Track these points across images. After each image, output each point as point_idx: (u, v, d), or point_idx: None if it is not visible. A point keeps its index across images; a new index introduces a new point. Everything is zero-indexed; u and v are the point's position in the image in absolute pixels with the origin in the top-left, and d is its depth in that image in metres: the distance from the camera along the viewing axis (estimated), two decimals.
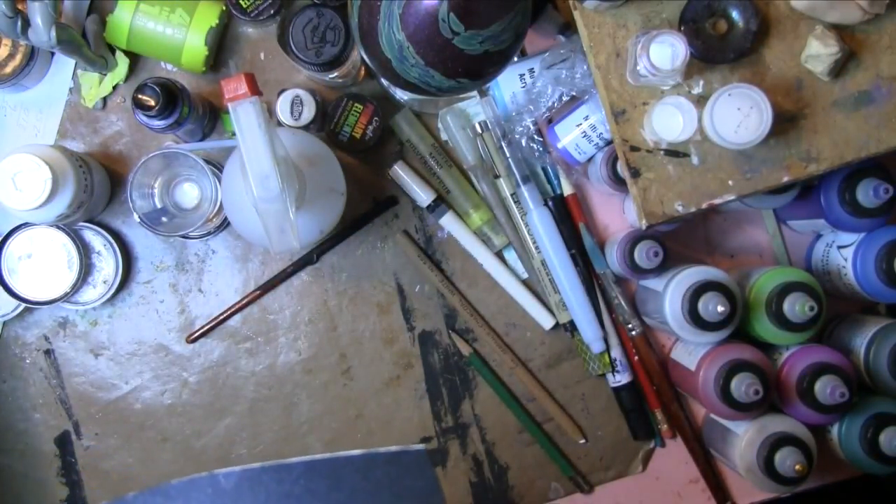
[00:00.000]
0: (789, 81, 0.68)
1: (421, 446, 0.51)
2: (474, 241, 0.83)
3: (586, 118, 0.79)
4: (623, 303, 0.83)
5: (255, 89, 0.60)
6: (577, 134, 0.79)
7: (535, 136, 0.81)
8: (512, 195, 0.82)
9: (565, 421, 0.85)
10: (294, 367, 0.83)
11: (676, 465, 0.86)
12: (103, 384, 0.83)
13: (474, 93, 0.81)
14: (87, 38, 0.77)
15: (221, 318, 0.82)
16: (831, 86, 0.68)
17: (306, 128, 0.78)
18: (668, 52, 0.64)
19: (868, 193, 0.73)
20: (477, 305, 0.84)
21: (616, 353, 0.83)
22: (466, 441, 0.84)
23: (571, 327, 0.84)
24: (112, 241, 0.81)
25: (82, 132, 0.83)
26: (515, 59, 0.76)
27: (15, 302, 0.80)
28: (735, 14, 0.66)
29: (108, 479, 0.82)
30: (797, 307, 0.72)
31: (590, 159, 0.82)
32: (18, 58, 0.78)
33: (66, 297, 0.79)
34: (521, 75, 0.81)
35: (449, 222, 0.83)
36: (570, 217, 0.83)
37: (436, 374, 0.84)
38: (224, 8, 0.78)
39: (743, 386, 0.71)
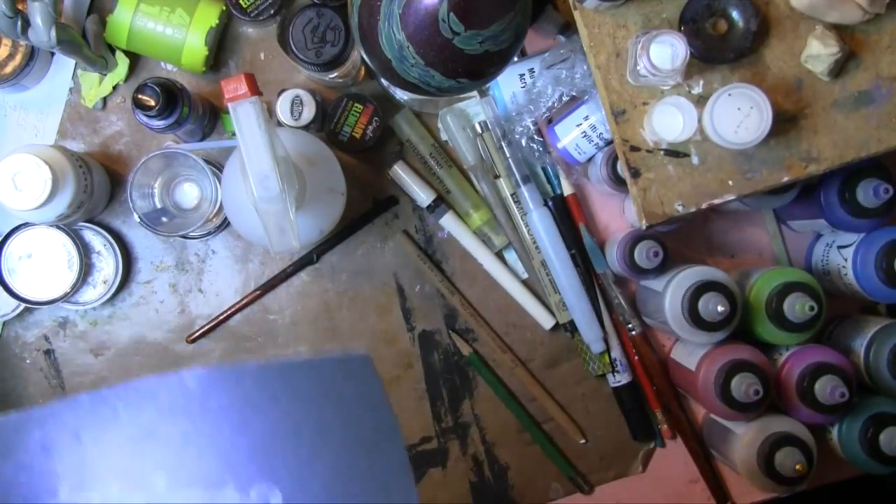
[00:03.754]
0: (789, 81, 0.68)
1: (364, 351, 0.53)
2: (474, 241, 0.83)
3: (586, 118, 0.79)
4: (623, 303, 0.83)
5: (255, 89, 0.60)
6: (577, 134, 0.79)
7: (535, 136, 0.81)
8: (512, 195, 0.82)
9: (565, 421, 0.85)
10: None
11: (676, 465, 0.86)
12: (103, 384, 0.83)
13: (474, 93, 0.81)
14: (87, 38, 0.77)
15: (221, 318, 0.82)
16: (831, 86, 0.68)
17: (306, 128, 0.78)
18: (668, 52, 0.64)
19: (868, 193, 0.73)
20: (477, 305, 0.84)
21: (616, 353, 0.83)
22: (466, 441, 0.84)
23: (571, 327, 0.84)
24: (112, 241, 0.81)
25: (82, 132, 0.83)
26: (515, 59, 0.76)
27: (15, 302, 0.80)
28: (735, 14, 0.66)
29: None
30: (797, 307, 0.72)
31: (590, 159, 0.82)
32: (18, 58, 0.78)
33: (66, 297, 0.79)
34: (521, 75, 0.81)
35: (449, 222, 0.83)
36: (570, 217, 0.83)
37: (436, 374, 0.84)
38: (224, 8, 0.78)
39: (743, 386, 0.71)
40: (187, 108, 0.75)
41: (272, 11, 0.77)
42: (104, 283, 0.81)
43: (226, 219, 0.81)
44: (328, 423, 0.50)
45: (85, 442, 0.50)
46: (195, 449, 0.50)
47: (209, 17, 0.77)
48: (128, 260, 0.83)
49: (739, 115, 0.64)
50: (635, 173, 0.69)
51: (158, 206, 0.80)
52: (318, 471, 0.50)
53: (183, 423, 0.50)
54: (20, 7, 0.69)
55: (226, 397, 0.50)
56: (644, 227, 0.70)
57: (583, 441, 0.85)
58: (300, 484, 0.49)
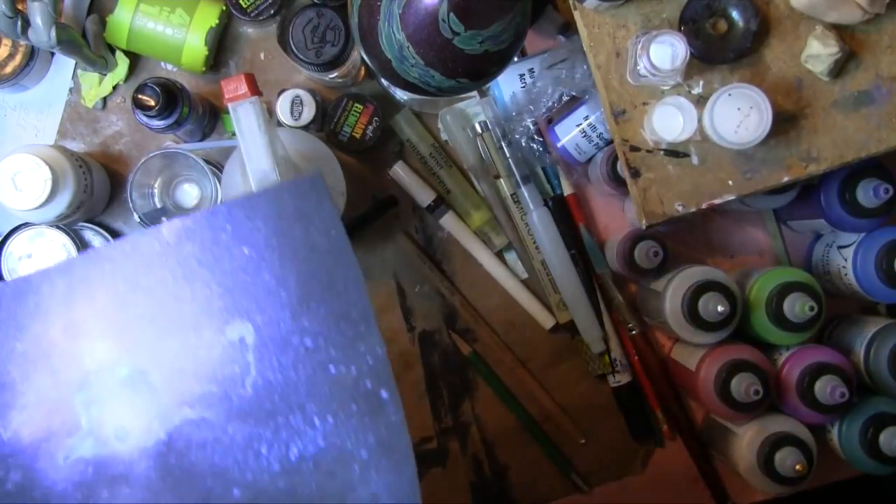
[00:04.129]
0: (789, 81, 0.68)
1: (314, 172, 0.55)
2: (474, 241, 0.83)
3: (586, 118, 0.79)
4: (623, 303, 0.83)
5: (255, 89, 0.60)
6: (577, 134, 0.79)
7: (535, 136, 0.81)
8: (512, 195, 0.82)
9: (565, 421, 0.85)
10: None
11: (676, 465, 0.86)
12: None
13: (474, 93, 0.81)
14: (87, 38, 0.77)
15: None
16: (831, 86, 0.68)
17: (306, 128, 0.78)
18: (668, 52, 0.64)
19: (868, 193, 0.73)
20: (477, 305, 0.84)
21: (616, 353, 0.83)
22: (466, 441, 0.84)
23: (571, 327, 0.84)
24: (112, 241, 0.81)
25: (82, 132, 0.83)
26: (515, 59, 0.76)
27: None
28: (735, 14, 0.66)
29: None
30: (797, 307, 0.72)
31: (590, 159, 0.82)
32: (18, 58, 0.78)
33: None
34: (521, 75, 0.81)
35: (449, 222, 0.83)
36: (570, 217, 0.83)
37: (436, 374, 0.84)
38: (224, 8, 0.78)
39: (743, 386, 0.71)
40: (187, 108, 0.75)
41: (272, 11, 0.77)
42: None
43: None
44: (287, 250, 0.53)
45: (75, 305, 0.53)
46: (174, 297, 0.53)
47: (209, 17, 0.77)
48: None
49: (739, 115, 0.64)
50: (635, 173, 0.69)
51: (158, 206, 0.80)
52: (283, 300, 0.52)
53: (162, 274, 0.53)
54: (20, 7, 0.69)
55: (199, 242, 0.53)
56: (644, 227, 0.70)
57: (583, 441, 0.85)
58: (268, 315, 0.52)
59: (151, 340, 0.53)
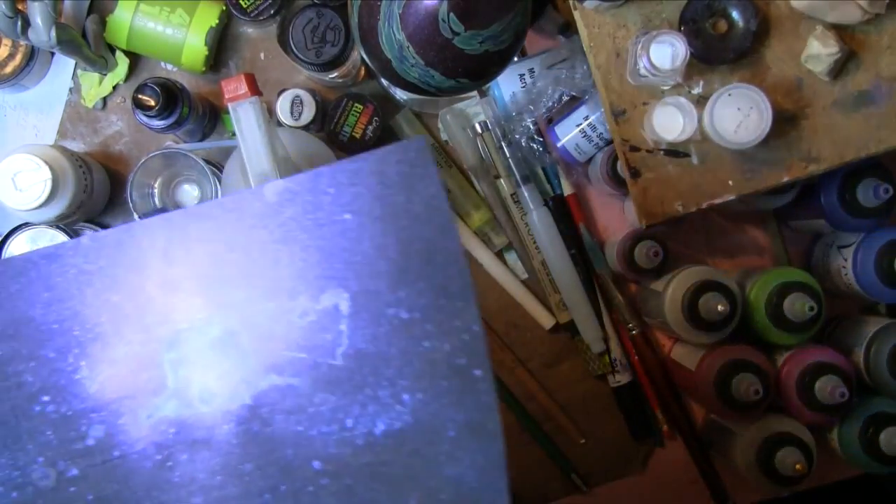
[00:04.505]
0: (789, 81, 0.68)
1: (419, 138, 0.54)
2: (474, 241, 0.83)
3: (586, 118, 0.79)
4: (623, 303, 0.83)
5: (255, 89, 0.60)
6: (576, 134, 0.79)
7: (535, 136, 0.81)
8: (512, 195, 0.82)
9: (565, 421, 0.85)
10: None
11: (676, 465, 0.86)
12: None
13: (474, 93, 0.81)
14: (87, 38, 0.77)
15: None
16: (831, 86, 0.68)
17: (306, 128, 0.78)
18: (668, 52, 0.64)
19: (868, 193, 0.73)
20: None
21: (616, 353, 0.83)
22: None
23: (571, 327, 0.84)
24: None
25: (82, 132, 0.83)
26: (515, 59, 0.76)
27: None
28: (735, 14, 0.66)
29: None
30: (797, 307, 0.72)
31: (590, 159, 0.82)
32: (18, 58, 0.78)
33: None
34: (521, 75, 0.81)
35: None
36: (570, 217, 0.83)
37: None
38: (224, 8, 0.78)
39: (743, 386, 0.71)
40: (187, 108, 0.75)
41: (272, 11, 0.77)
42: None
43: None
44: (389, 218, 0.51)
45: (174, 260, 0.51)
46: (271, 260, 0.51)
47: (209, 17, 0.77)
48: None
49: (739, 115, 0.64)
50: (635, 173, 0.69)
51: (158, 206, 0.80)
52: (381, 270, 0.51)
53: (261, 235, 0.51)
54: (20, 7, 0.69)
55: (300, 206, 0.51)
56: (644, 227, 0.70)
57: (583, 441, 0.85)
58: (364, 285, 0.51)
59: (245, 302, 0.51)
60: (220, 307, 0.51)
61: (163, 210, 0.80)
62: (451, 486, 0.50)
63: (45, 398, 0.50)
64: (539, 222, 0.81)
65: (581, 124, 0.79)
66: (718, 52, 0.66)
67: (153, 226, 0.51)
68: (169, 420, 0.51)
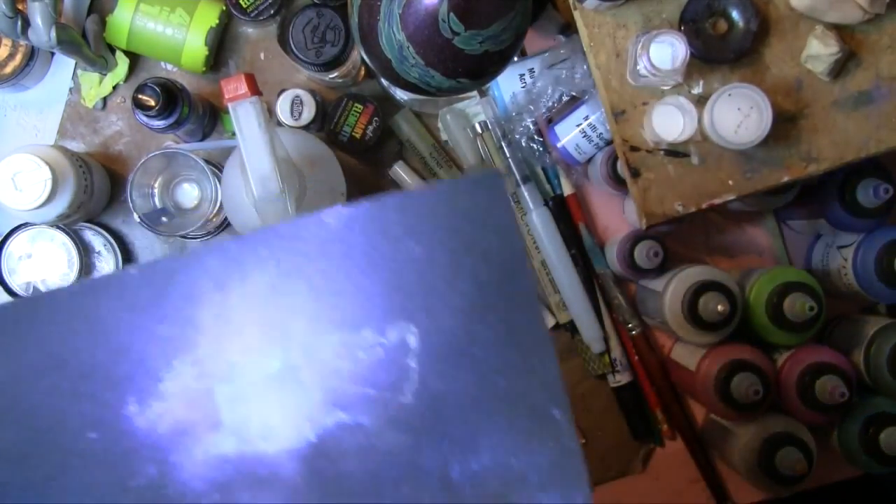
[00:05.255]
0: (789, 81, 0.68)
1: (495, 173, 0.53)
2: None
3: (586, 118, 0.79)
4: (623, 303, 0.83)
5: (255, 89, 0.60)
6: (577, 134, 0.79)
7: (535, 136, 0.81)
8: (512, 195, 0.82)
9: None
10: None
11: (676, 465, 0.86)
12: None
13: (474, 93, 0.81)
14: (87, 38, 0.77)
15: None
16: (831, 86, 0.68)
17: (306, 128, 0.78)
18: (668, 52, 0.64)
19: (868, 193, 0.73)
20: None
21: (616, 353, 0.83)
22: None
23: (571, 327, 0.83)
24: (112, 241, 0.81)
25: (82, 132, 0.83)
26: (515, 59, 0.76)
27: None
28: (735, 14, 0.66)
29: None
30: (797, 307, 0.72)
31: (590, 159, 0.82)
32: (18, 58, 0.78)
33: None
34: (521, 75, 0.81)
35: None
36: (570, 217, 0.83)
37: None
38: (224, 8, 0.78)
39: (743, 386, 0.71)
40: (187, 108, 0.75)
41: (272, 11, 0.77)
42: None
43: (226, 219, 0.81)
44: (461, 251, 0.48)
45: (228, 290, 0.48)
46: (333, 291, 0.48)
47: (209, 17, 0.77)
48: (128, 260, 0.83)
49: (739, 115, 0.64)
50: (635, 173, 0.69)
51: (158, 206, 0.80)
52: (453, 304, 0.48)
53: (322, 264, 0.48)
54: (20, 7, 0.69)
55: (364, 234, 0.48)
56: (644, 227, 0.70)
57: (583, 441, 0.85)
58: (435, 319, 0.48)
59: (305, 335, 0.48)
60: (278, 340, 0.49)
61: (163, 210, 0.80)
62: None
63: (92, 435, 0.48)
64: (539, 222, 0.81)
65: (581, 124, 0.79)
66: (718, 52, 0.66)
67: (205, 255, 0.49)
68: (227, 458, 0.48)
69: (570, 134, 0.80)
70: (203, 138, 0.83)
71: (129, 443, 0.48)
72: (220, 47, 0.82)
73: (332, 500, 0.48)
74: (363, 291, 0.49)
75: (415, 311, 0.48)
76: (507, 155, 0.81)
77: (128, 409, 0.48)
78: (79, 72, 0.81)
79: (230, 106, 0.60)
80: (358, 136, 0.80)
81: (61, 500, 0.48)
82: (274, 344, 0.49)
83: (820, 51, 0.65)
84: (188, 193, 0.82)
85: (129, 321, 0.48)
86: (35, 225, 0.79)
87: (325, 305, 0.49)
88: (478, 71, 0.64)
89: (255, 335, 0.49)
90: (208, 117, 0.81)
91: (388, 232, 0.48)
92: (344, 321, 0.49)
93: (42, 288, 0.79)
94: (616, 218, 0.85)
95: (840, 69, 0.67)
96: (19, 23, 0.69)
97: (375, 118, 0.80)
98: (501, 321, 0.49)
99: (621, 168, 0.71)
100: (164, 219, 0.79)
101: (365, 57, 0.66)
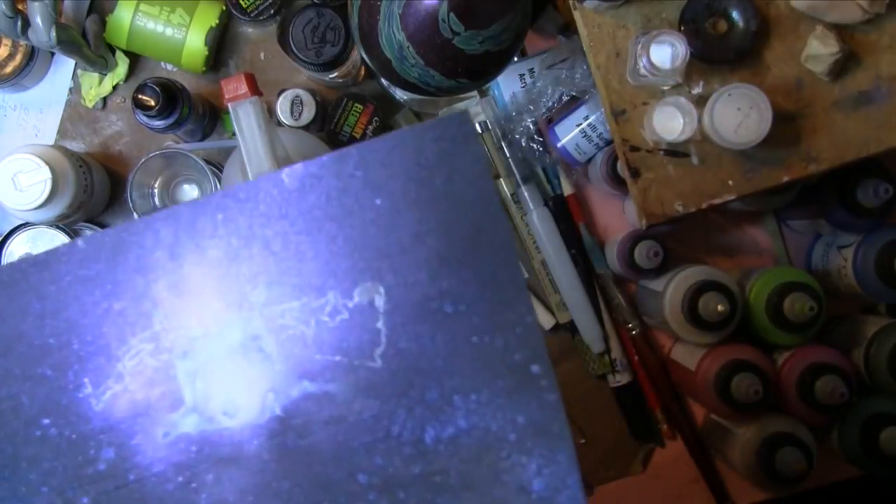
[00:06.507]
0: (789, 81, 0.68)
1: (462, 108, 0.49)
2: None
3: (586, 118, 0.79)
4: (623, 303, 0.83)
5: (255, 89, 0.60)
6: (576, 134, 0.79)
7: (535, 136, 0.81)
8: (512, 195, 0.82)
9: None
10: None
11: (676, 465, 0.86)
12: None
13: (474, 93, 0.81)
14: (87, 38, 0.77)
15: None
16: (831, 86, 0.68)
17: (306, 128, 0.78)
18: (668, 52, 0.64)
19: (868, 193, 0.73)
20: None
21: (616, 353, 0.83)
22: None
23: (571, 327, 0.84)
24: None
25: (82, 132, 0.83)
26: (515, 59, 0.76)
27: None
28: (735, 14, 0.66)
29: None
30: (797, 307, 0.72)
31: (590, 159, 0.82)
32: (18, 58, 0.78)
33: None
34: (521, 75, 0.81)
35: None
36: (570, 217, 0.83)
37: None
38: (224, 8, 0.78)
39: (743, 386, 0.71)
40: (187, 108, 0.75)
41: (272, 11, 0.77)
42: None
43: None
44: (427, 201, 0.45)
45: (182, 259, 0.46)
46: (293, 254, 0.46)
47: (209, 17, 0.77)
48: None
49: (739, 115, 0.64)
50: (635, 173, 0.69)
51: (158, 206, 0.80)
52: (421, 259, 0.45)
53: (281, 226, 0.46)
54: (20, 7, 0.69)
55: (324, 192, 0.45)
56: (644, 227, 0.70)
57: (583, 441, 0.85)
58: (403, 277, 0.45)
59: (267, 302, 0.46)
60: (238, 309, 0.47)
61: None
62: (517, 496, 0.45)
63: (46, 421, 0.46)
64: (539, 222, 0.81)
65: (581, 124, 0.79)
66: (718, 52, 0.66)
67: (157, 222, 0.46)
68: (189, 437, 0.46)
69: (570, 134, 0.80)
70: (203, 138, 0.83)
71: (85, 427, 0.46)
72: (220, 47, 0.82)
73: (301, 474, 0.46)
74: (325, 252, 0.46)
75: (381, 270, 0.46)
76: (507, 155, 0.81)
77: (83, 392, 0.46)
78: (79, 72, 0.81)
79: (230, 106, 0.60)
80: (358, 136, 0.80)
81: (16, 490, 0.46)
82: (234, 314, 0.46)
83: (820, 51, 0.65)
84: (188, 193, 0.82)
85: (79, 297, 0.46)
86: (35, 225, 0.79)
87: (285, 270, 0.46)
88: (478, 71, 0.64)
89: (213, 306, 0.46)
90: (208, 117, 0.81)
91: (349, 188, 0.45)
92: (306, 285, 0.46)
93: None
94: (616, 218, 0.85)
95: (840, 69, 0.67)
96: (19, 23, 0.69)
97: (375, 118, 0.80)
98: (473, 274, 0.46)
99: (621, 168, 0.71)
100: None
101: (365, 57, 0.66)
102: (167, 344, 0.46)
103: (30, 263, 0.46)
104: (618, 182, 0.77)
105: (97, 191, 0.78)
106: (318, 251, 0.46)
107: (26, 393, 0.46)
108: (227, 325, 0.46)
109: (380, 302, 0.46)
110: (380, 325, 0.46)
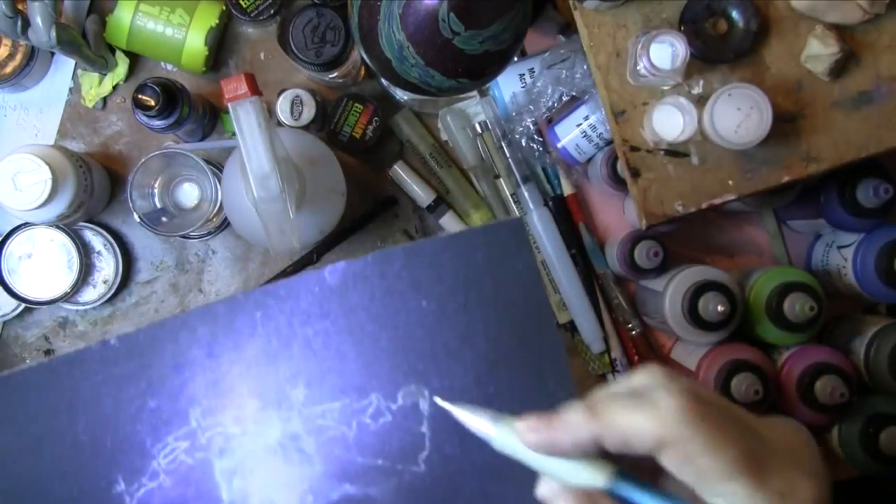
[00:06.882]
0: (789, 81, 0.68)
1: (516, 216, 0.48)
2: None
3: (586, 118, 0.79)
4: (623, 303, 0.83)
5: (255, 89, 0.60)
6: (577, 134, 0.79)
7: (535, 136, 0.81)
8: (512, 195, 0.82)
9: None
10: None
11: None
12: None
13: (474, 93, 0.81)
14: (87, 38, 0.77)
15: None
16: (831, 86, 0.68)
17: (306, 128, 0.78)
18: (668, 52, 0.64)
19: (868, 193, 0.73)
20: None
21: (616, 353, 0.83)
22: None
23: (571, 327, 0.83)
24: (112, 241, 0.81)
25: (82, 132, 0.83)
26: (515, 59, 0.76)
27: (15, 302, 0.80)
28: (735, 14, 0.66)
29: None
30: (797, 307, 0.72)
31: (590, 159, 0.82)
32: (18, 58, 0.78)
33: (66, 297, 0.79)
34: (521, 75, 0.81)
35: (449, 222, 0.83)
36: (570, 217, 0.83)
37: None
38: (224, 8, 0.78)
39: (743, 386, 0.71)
40: (187, 108, 0.75)
41: (272, 11, 0.77)
42: (104, 283, 0.81)
43: (226, 219, 0.81)
44: (475, 305, 0.45)
45: (219, 357, 0.46)
46: (335, 353, 0.46)
47: (209, 17, 0.77)
48: (128, 260, 0.83)
49: (739, 115, 0.64)
50: (635, 173, 0.69)
51: (158, 206, 0.80)
52: (467, 362, 0.45)
53: (322, 324, 0.46)
54: (20, 7, 0.69)
55: (368, 291, 0.45)
56: (644, 227, 0.70)
57: None
58: (449, 380, 0.45)
59: (307, 402, 0.46)
60: (277, 408, 0.46)
61: (163, 210, 0.80)
62: None
63: None
64: (539, 222, 0.81)
65: (581, 124, 0.79)
66: (718, 52, 0.66)
67: (193, 319, 0.46)
68: None
69: (570, 134, 0.80)
70: (203, 138, 0.83)
71: None
72: (220, 47, 0.82)
73: None
74: (368, 353, 0.46)
75: (426, 373, 0.45)
76: (507, 155, 0.81)
77: (115, 489, 0.45)
78: (79, 72, 0.81)
79: (230, 106, 0.60)
80: (358, 136, 0.80)
81: None
82: (273, 413, 0.46)
83: (820, 51, 0.65)
84: (188, 193, 0.82)
85: (112, 395, 0.46)
86: (35, 225, 0.79)
87: (326, 369, 0.46)
88: (478, 71, 0.64)
89: (251, 404, 0.46)
90: (208, 117, 0.81)
91: (394, 288, 0.45)
92: (348, 386, 0.46)
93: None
94: (616, 218, 0.85)
95: (840, 69, 0.67)
96: (19, 23, 0.69)
97: (375, 118, 0.80)
98: (523, 381, 0.45)
99: (621, 168, 0.71)
100: (164, 219, 0.79)
101: (365, 57, 0.66)
102: (203, 442, 0.46)
103: (61, 362, 0.46)
104: (618, 182, 0.77)
105: (97, 191, 0.78)
106: (361, 351, 0.46)
107: (57, 490, 0.45)
108: (265, 423, 0.46)
109: (424, 405, 0.46)
110: (424, 428, 0.46)
